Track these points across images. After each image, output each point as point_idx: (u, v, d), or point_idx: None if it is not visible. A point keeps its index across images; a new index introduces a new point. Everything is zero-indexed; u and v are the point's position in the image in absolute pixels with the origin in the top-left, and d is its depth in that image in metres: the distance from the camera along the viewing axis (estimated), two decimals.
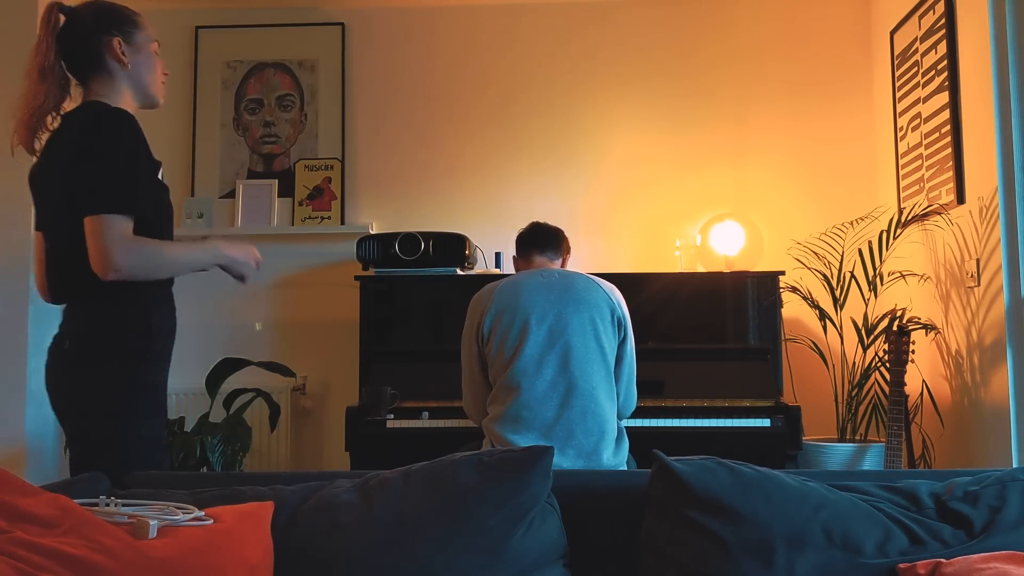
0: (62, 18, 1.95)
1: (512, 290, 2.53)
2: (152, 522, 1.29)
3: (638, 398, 2.66)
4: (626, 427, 2.58)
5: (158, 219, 1.92)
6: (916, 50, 3.37)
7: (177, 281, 4.10)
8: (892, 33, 3.60)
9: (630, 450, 2.54)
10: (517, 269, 2.80)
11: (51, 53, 1.92)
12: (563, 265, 2.79)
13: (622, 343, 2.54)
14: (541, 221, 2.83)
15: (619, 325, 2.52)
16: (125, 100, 1.98)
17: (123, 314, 1.89)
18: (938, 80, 3.16)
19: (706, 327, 3.43)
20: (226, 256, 2.02)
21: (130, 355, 1.88)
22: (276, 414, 3.47)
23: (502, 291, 2.54)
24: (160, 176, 1.98)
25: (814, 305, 3.40)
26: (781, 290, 3.40)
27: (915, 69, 3.38)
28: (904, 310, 3.19)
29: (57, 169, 1.90)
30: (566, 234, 2.84)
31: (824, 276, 3.43)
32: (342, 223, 3.95)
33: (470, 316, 2.58)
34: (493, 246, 3.78)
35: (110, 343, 1.88)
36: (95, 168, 1.83)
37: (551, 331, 2.44)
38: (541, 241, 2.76)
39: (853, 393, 3.33)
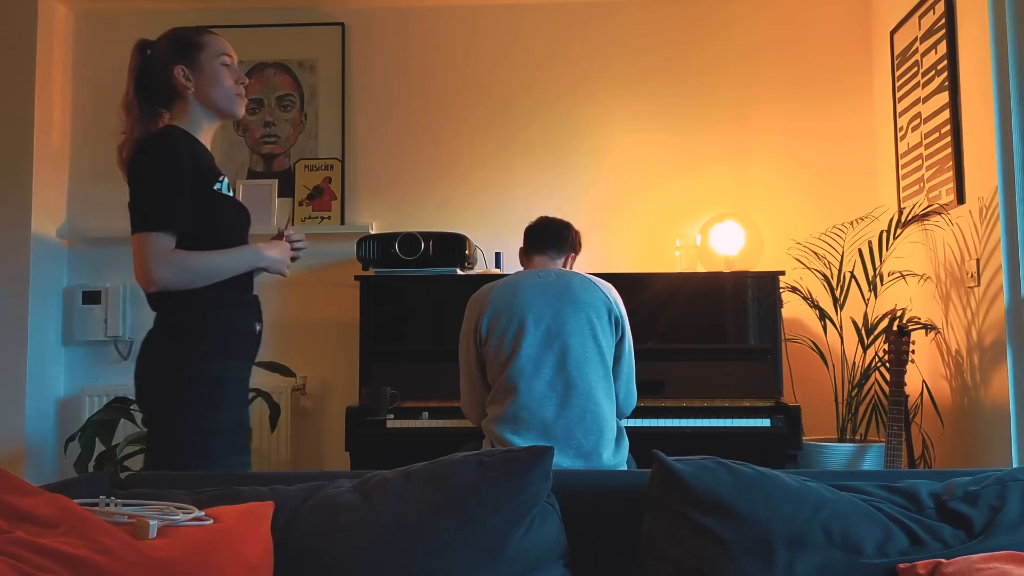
0: (147, 52, 2.18)
1: (509, 290, 2.53)
2: (152, 522, 1.29)
3: (638, 398, 2.66)
4: (626, 427, 2.59)
5: (210, 230, 2.07)
6: (916, 50, 3.37)
7: None
8: (892, 33, 3.60)
9: (630, 450, 2.54)
10: (521, 261, 2.80)
11: (131, 90, 2.15)
12: (567, 264, 2.79)
13: (620, 342, 2.54)
14: (551, 216, 2.83)
15: (616, 324, 2.53)
16: (200, 119, 2.16)
17: (180, 313, 2.06)
18: (938, 80, 3.16)
19: (706, 327, 3.43)
20: (266, 258, 2.17)
21: (181, 350, 2.03)
22: (276, 414, 3.47)
23: (499, 291, 2.54)
24: (222, 187, 2.11)
25: (814, 305, 3.40)
26: (781, 290, 3.40)
27: (915, 69, 3.38)
28: (904, 310, 3.19)
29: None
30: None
31: (824, 276, 3.43)
32: (342, 223, 3.95)
33: (467, 316, 2.58)
34: (493, 246, 3.78)
35: (166, 340, 2.06)
36: (135, 189, 2.04)
37: (548, 331, 2.44)
38: (544, 240, 2.75)
39: (853, 393, 3.33)
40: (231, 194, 2.16)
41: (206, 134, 2.18)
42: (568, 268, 2.78)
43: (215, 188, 2.09)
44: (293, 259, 2.28)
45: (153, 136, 2.08)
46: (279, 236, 2.28)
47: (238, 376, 2.15)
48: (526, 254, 2.77)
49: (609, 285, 2.60)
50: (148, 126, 2.14)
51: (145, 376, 2.06)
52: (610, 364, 2.50)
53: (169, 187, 2.01)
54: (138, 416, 3.42)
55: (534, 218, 2.88)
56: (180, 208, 2.01)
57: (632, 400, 2.63)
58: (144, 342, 2.09)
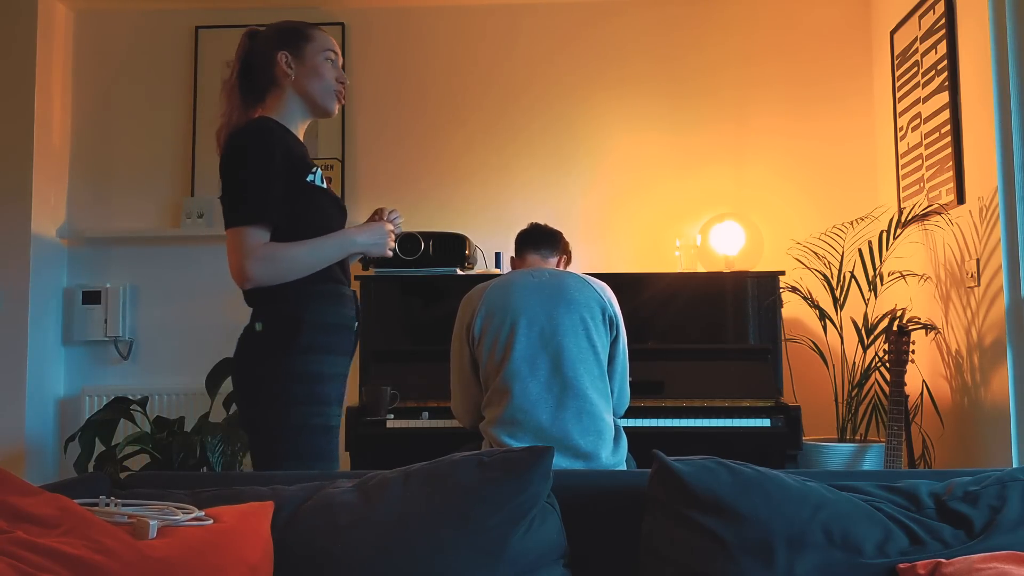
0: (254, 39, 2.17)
1: (503, 291, 2.52)
2: (152, 522, 1.29)
3: (637, 398, 2.66)
4: (626, 427, 2.58)
5: (303, 223, 2.02)
6: (916, 50, 3.37)
7: (176, 283, 4.07)
8: (892, 33, 3.60)
9: (630, 450, 2.53)
10: (513, 265, 2.81)
11: (235, 74, 2.13)
12: (560, 267, 2.79)
13: (614, 342, 2.53)
14: (532, 224, 2.83)
15: (611, 324, 2.52)
16: (295, 112, 2.13)
17: (277, 310, 2.02)
18: (938, 80, 3.16)
19: (706, 327, 3.43)
20: (360, 244, 2.12)
21: (279, 347, 1.99)
22: None
23: (492, 292, 2.53)
24: (315, 178, 2.07)
25: (814, 305, 3.40)
26: (781, 290, 3.40)
27: (915, 69, 3.38)
28: (904, 310, 3.19)
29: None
30: (567, 235, 2.85)
31: (824, 276, 3.43)
32: None
33: (460, 316, 2.57)
34: (493, 246, 3.78)
35: (263, 337, 2.02)
36: (229, 183, 2.01)
37: (542, 332, 2.43)
38: (537, 239, 2.75)
39: (853, 393, 3.33)
40: (324, 185, 2.10)
41: (299, 128, 2.15)
42: (565, 258, 2.80)
43: (308, 180, 2.05)
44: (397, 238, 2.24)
45: (247, 128, 2.05)
46: (372, 219, 2.22)
47: (337, 372, 2.09)
48: (519, 255, 2.77)
49: (604, 284, 2.59)
50: (246, 113, 2.12)
51: (244, 373, 2.04)
52: (605, 364, 2.49)
53: (262, 180, 1.97)
54: (138, 416, 3.44)
55: (535, 218, 2.89)
56: (273, 201, 1.97)
57: (626, 400, 2.62)
58: (241, 339, 2.05)
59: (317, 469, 1.96)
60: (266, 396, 1.99)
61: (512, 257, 2.82)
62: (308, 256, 2.01)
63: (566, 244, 2.82)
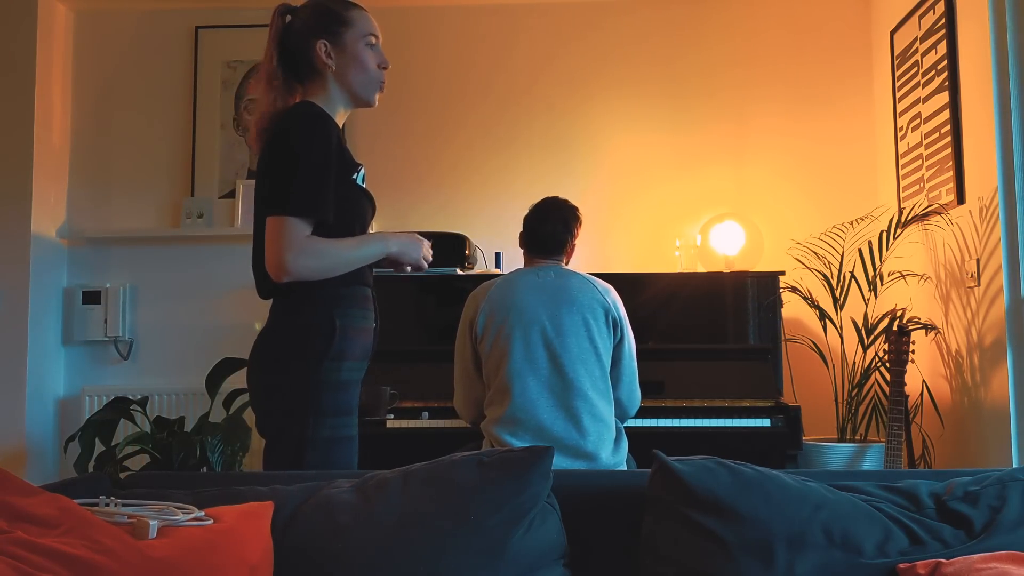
0: (287, 19, 2.01)
1: (506, 289, 2.53)
2: (152, 522, 1.29)
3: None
4: (626, 427, 2.58)
5: (343, 223, 1.90)
6: (916, 50, 3.37)
7: (175, 282, 4.07)
8: (892, 33, 3.60)
9: (630, 450, 2.53)
10: (520, 243, 2.71)
11: (273, 58, 1.98)
12: (571, 251, 2.69)
13: (619, 344, 2.53)
14: (543, 211, 2.68)
15: (614, 326, 2.51)
16: (336, 102, 2.01)
17: (308, 312, 1.89)
18: (938, 80, 3.16)
19: (706, 327, 3.42)
20: (393, 248, 2.01)
21: (312, 354, 1.87)
22: None
23: (496, 290, 2.54)
24: (359, 179, 1.97)
25: (814, 305, 3.40)
26: (781, 290, 3.40)
27: (915, 69, 3.38)
28: (904, 310, 3.19)
29: (258, 169, 1.96)
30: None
31: (824, 276, 3.43)
32: None
33: (464, 313, 2.59)
34: (493, 246, 3.78)
35: (293, 341, 1.89)
36: (280, 170, 1.85)
37: (544, 332, 2.44)
38: (540, 248, 2.64)
39: (853, 393, 3.33)
40: (365, 186, 2.00)
41: (339, 118, 2.01)
42: (574, 244, 2.69)
43: (352, 178, 1.94)
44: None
45: (299, 111, 1.91)
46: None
47: (359, 379, 2.00)
48: (526, 255, 2.71)
49: (608, 286, 2.58)
50: (286, 100, 1.99)
51: (266, 380, 1.90)
52: (607, 365, 2.49)
53: (318, 171, 1.83)
54: (138, 416, 3.44)
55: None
56: (325, 196, 1.84)
57: (636, 401, 2.62)
58: (263, 343, 1.92)
59: None
60: (292, 406, 1.87)
61: (520, 235, 2.70)
62: (352, 254, 1.90)
63: (574, 231, 2.68)
